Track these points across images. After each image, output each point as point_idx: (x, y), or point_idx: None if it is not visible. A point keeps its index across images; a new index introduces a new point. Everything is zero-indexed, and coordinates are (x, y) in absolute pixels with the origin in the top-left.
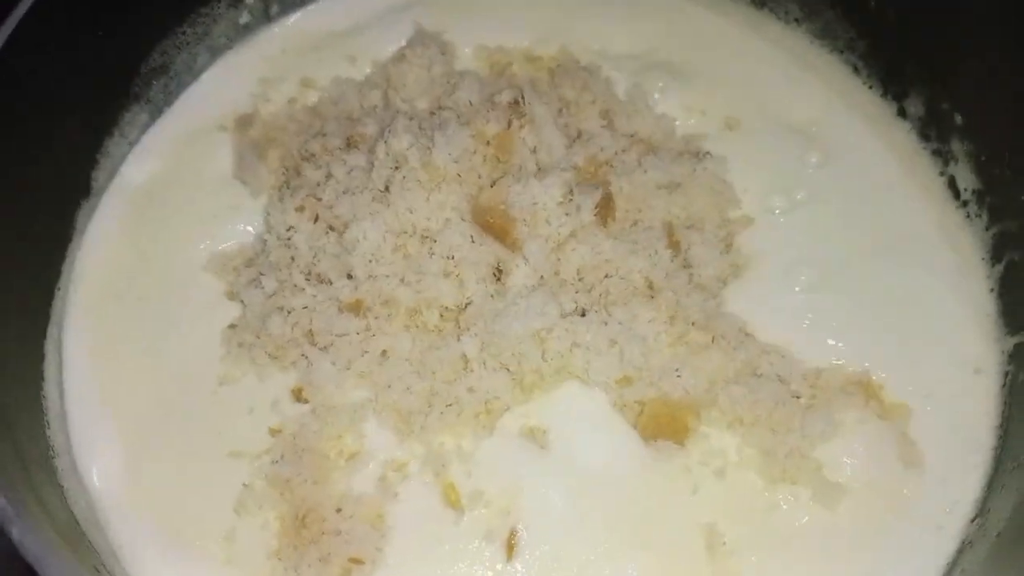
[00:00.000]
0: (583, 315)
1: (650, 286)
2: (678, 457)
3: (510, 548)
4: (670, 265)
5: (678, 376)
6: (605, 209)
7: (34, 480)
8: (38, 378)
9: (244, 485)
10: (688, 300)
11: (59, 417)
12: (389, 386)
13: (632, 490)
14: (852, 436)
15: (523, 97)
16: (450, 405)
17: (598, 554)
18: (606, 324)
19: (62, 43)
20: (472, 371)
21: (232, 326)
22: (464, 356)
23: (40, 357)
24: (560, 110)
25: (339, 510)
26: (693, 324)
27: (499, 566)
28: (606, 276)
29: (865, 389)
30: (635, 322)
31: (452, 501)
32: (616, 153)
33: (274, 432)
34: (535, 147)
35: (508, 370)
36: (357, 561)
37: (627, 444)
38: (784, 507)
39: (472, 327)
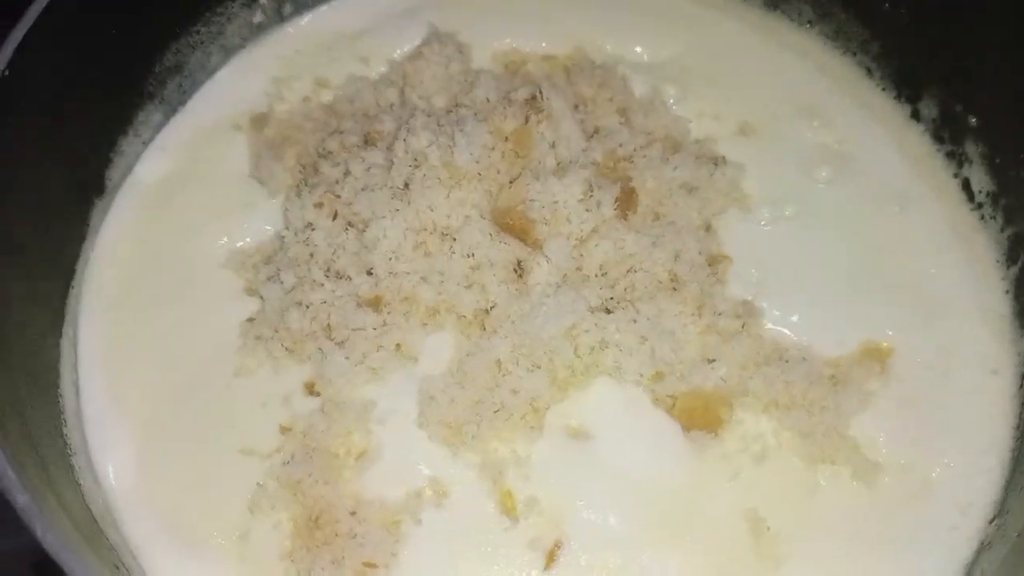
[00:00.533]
0: (609, 312)
1: (674, 279)
2: (716, 446)
3: (551, 557)
4: (697, 258)
5: (711, 367)
6: (626, 204)
7: (52, 478)
8: (54, 376)
9: (258, 484)
10: (713, 290)
11: (75, 415)
12: (432, 398)
13: (674, 482)
14: (882, 411)
15: (540, 93)
16: (497, 411)
17: (642, 549)
18: (635, 321)
19: (76, 42)
20: (509, 372)
21: (250, 320)
22: (498, 360)
23: (56, 356)
24: (576, 106)
25: (354, 513)
26: (720, 314)
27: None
28: (629, 271)
29: (878, 355)
30: (662, 316)
31: (508, 509)
32: (635, 149)
33: (284, 430)
34: (553, 142)
35: (541, 368)
36: (371, 565)
37: (667, 437)
38: (825, 486)
39: (500, 329)
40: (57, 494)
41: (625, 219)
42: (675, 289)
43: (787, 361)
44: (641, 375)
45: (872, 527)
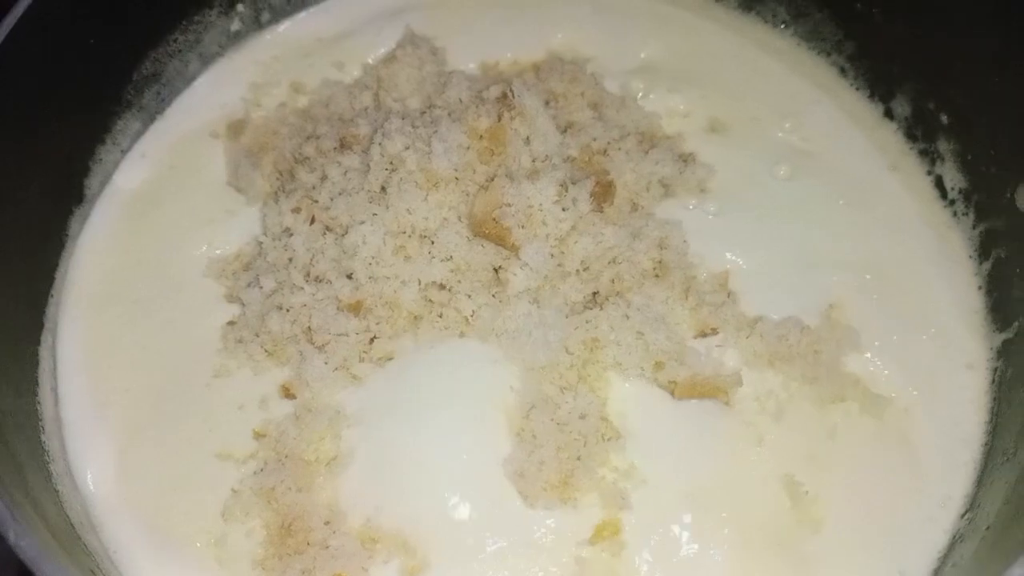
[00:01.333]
0: (601, 308)
1: (658, 266)
2: (734, 415)
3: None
4: (682, 245)
5: (707, 341)
6: (601, 197)
7: (29, 484)
8: (33, 384)
9: (232, 491)
10: (696, 273)
11: (54, 422)
12: (523, 475)
13: (709, 461)
14: (874, 346)
15: (511, 90)
16: (583, 446)
17: (692, 534)
18: (627, 316)
19: (55, 51)
20: (560, 406)
21: (231, 323)
22: (548, 399)
23: (35, 363)
24: (548, 102)
25: (328, 523)
26: (705, 292)
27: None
28: (611, 262)
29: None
30: (652, 304)
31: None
32: (610, 142)
33: (258, 435)
34: (528, 137)
35: (579, 382)
36: None
37: (687, 417)
38: (840, 425)
39: (490, 339)
40: (34, 500)
41: (601, 211)
42: (658, 276)
43: (776, 323)
44: (643, 367)
45: (892, 458)
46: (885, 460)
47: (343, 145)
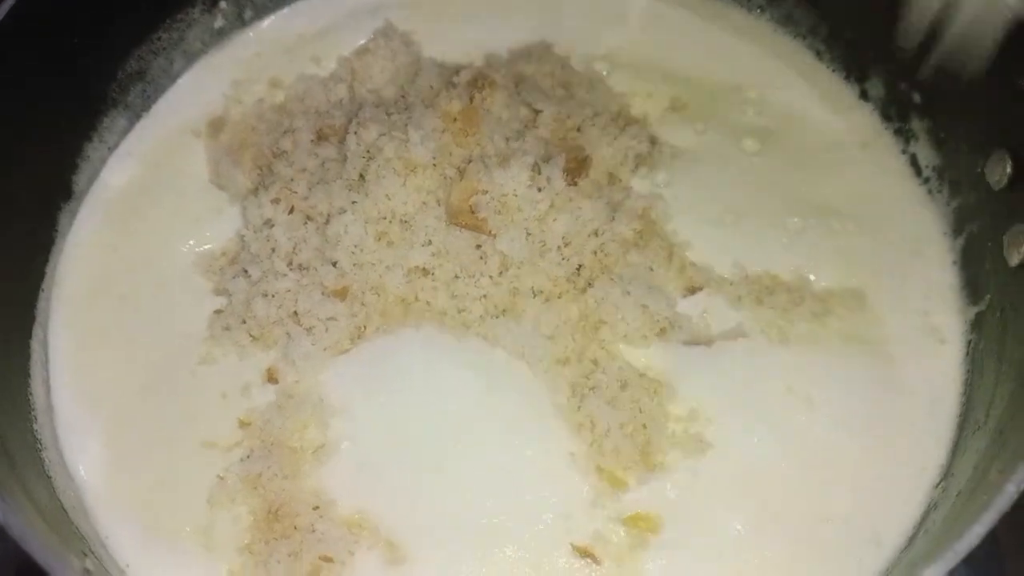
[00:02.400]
0: (591, 285)
1: (641, 236)
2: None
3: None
4: (664, 214)
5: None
6: (576, 172)
7: (21, 471)
8: (25, 376)
9: (219, 477)
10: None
11: (45, 411)
12: (573, 454)
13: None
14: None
15: (482, 74)
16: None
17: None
18: (628, 293)
19: (40, 50)
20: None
21: (218, 311)
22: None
23: (27, 356)
24: (518, 84)
25: (316, 508)
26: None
27: None
28: (593, 235)
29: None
30: (640, 273)
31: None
32: (584, 120)
33: (243, 424)
34: (500, 117)
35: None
36: (327, 559)
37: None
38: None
39: (477, 323)
40: (24, 485)
41: (575, 185)
42: (639, 246)
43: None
44: (646, 336)
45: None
46: (862, 434)
47: (320, 137)
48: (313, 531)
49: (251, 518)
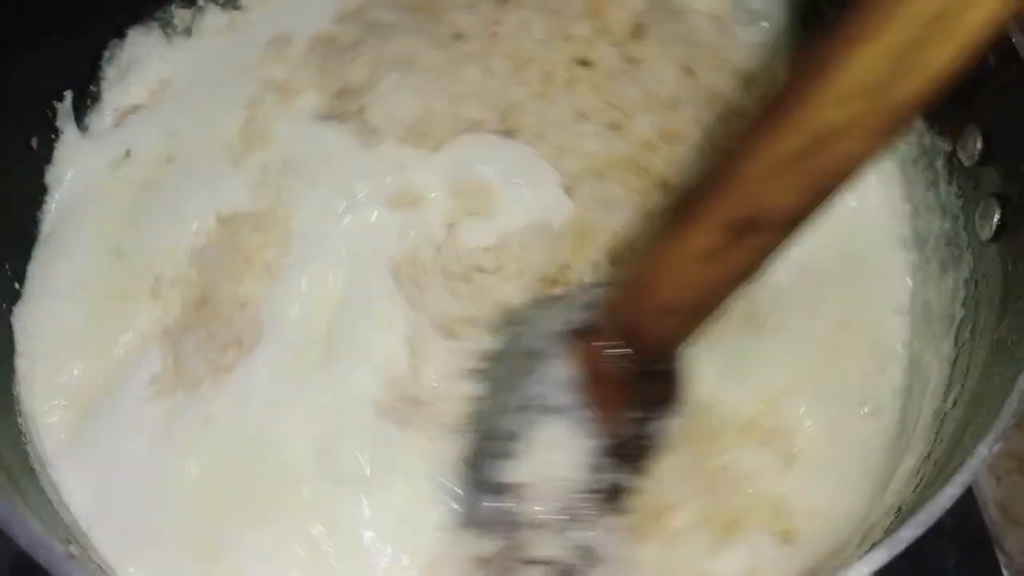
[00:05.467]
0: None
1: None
2: None
3: None
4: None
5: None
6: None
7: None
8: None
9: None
10: None
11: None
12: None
13: None
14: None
15: None
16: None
17: None
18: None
19: (21, 46)
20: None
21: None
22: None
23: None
24: None
25: (242, 306)
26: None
27: None
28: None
29: None
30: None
31: None
32: None
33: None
34: None
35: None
36: (238, 343)
37: None
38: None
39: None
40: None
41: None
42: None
43: None
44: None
45: None
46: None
47: None
48: (231, 320)
49: (180, 309)
